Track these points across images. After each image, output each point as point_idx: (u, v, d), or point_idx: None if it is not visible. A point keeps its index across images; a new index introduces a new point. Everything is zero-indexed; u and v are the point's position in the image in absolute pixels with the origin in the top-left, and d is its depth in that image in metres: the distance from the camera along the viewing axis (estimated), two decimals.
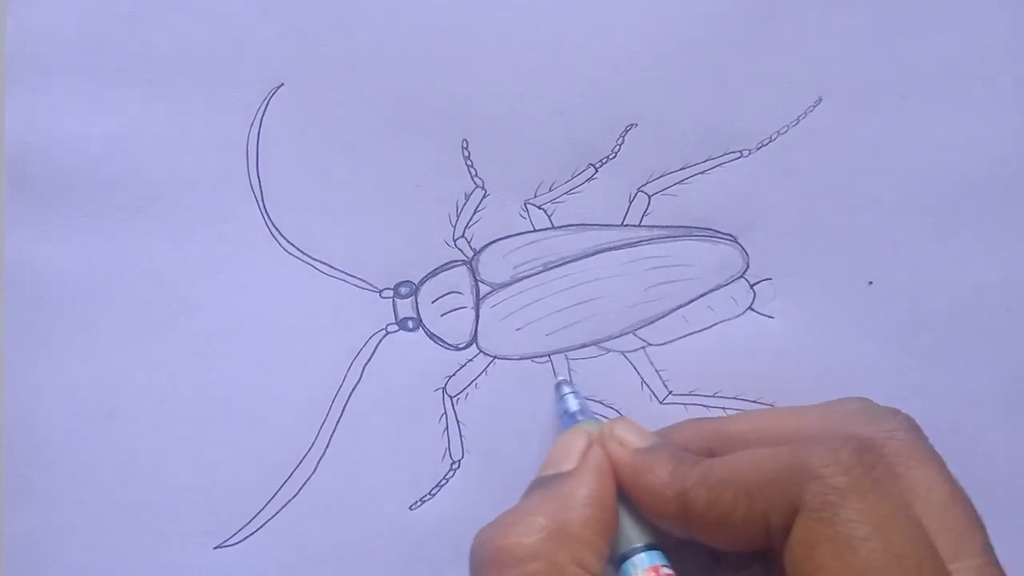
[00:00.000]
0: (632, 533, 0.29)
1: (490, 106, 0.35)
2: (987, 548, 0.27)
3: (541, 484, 0.29)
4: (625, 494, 0.29)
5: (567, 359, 0.35)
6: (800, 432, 0.29)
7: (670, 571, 0.28)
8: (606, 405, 0.35)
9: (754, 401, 0.35)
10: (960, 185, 0.35)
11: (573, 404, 0.33)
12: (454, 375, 0.35)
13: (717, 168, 0.35)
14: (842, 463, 0.25)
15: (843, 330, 0.35)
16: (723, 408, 0.35)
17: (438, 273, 0.35)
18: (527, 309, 0.35)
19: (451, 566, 0.34)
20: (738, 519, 0.26)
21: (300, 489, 0.34)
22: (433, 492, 0.35)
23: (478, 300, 0.35)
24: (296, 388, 0.35)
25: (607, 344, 0.35)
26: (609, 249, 0.35)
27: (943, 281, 0.35)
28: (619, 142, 0.35)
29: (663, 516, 0.28)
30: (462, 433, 0.35)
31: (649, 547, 0.29)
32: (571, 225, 0.35)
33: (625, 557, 0.28)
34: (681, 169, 0.35)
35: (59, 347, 0.35)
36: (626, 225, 0.35)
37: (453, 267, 0.35)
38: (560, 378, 0.35)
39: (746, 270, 0.35)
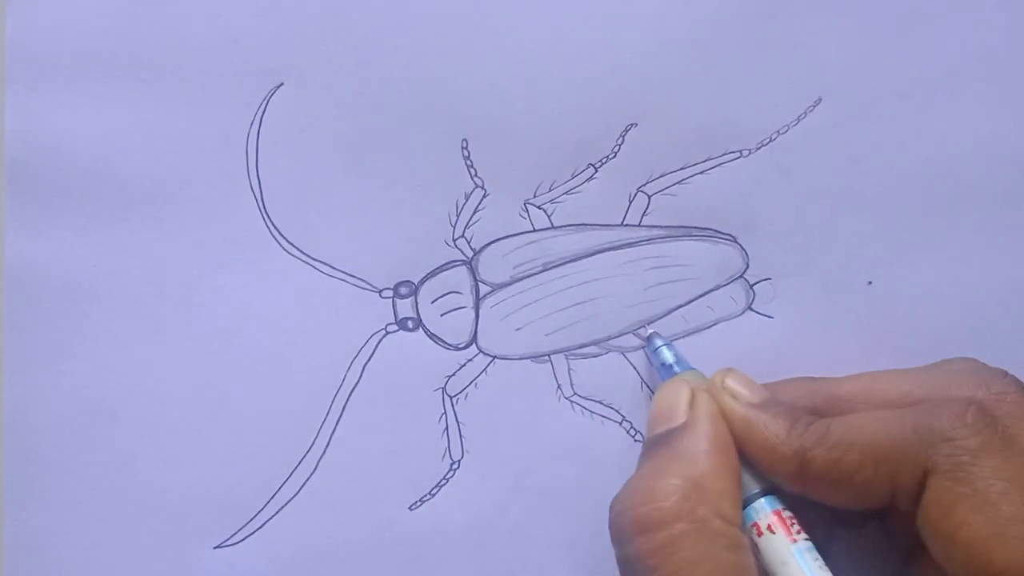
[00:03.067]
0: (747, 479, 0.29)
1: (490, 106, 0.35)
2: None
3: (658, 443, 0.29)
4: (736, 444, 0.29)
5: (567, 359, 0.35)
6: (910, 394, 0.29)
7: (791, 514, 0.29)
8: (606, 405, 0.35)
9: None
10: (960, 185, 0.35)
11: (668, 356, 0.33)
12: (454, 375, 0.35)
13: (717, 168, 0.35)
14: (970, 425, 0.26)
15: (843, 330, 0.35)
16: None
17: (438, 273, 0.35)
18: (527, 309, 0.35)
19: (451, 566, 0.34)
20: (862, 480, 0.27)
21: (300, 489, 0.34)
22: (433, 492, 0.35)
23: (478, 300, 0.35)
24: (296, 388, 0.35)
25: (607, 344, 0.35)
26: (609, 249, 0.35)
27: (943, 281, 0.35)
28: (619, 142, 0.35)
29: (778, 472, 0.28)
30: (462, 433, 0.35)
31: (765, 492, 0.29)
32: (571, 225, 0.35)
33: (744, 503, 0.29)
34: (681, 169, 0.35)
35: (59, 347, 0.35)
36: (626, 225, 0.35)
37: (453, 267, 0.35)
38: (651, 330, 0.34)
39: (746, 270, 0.35)
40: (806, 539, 0.28)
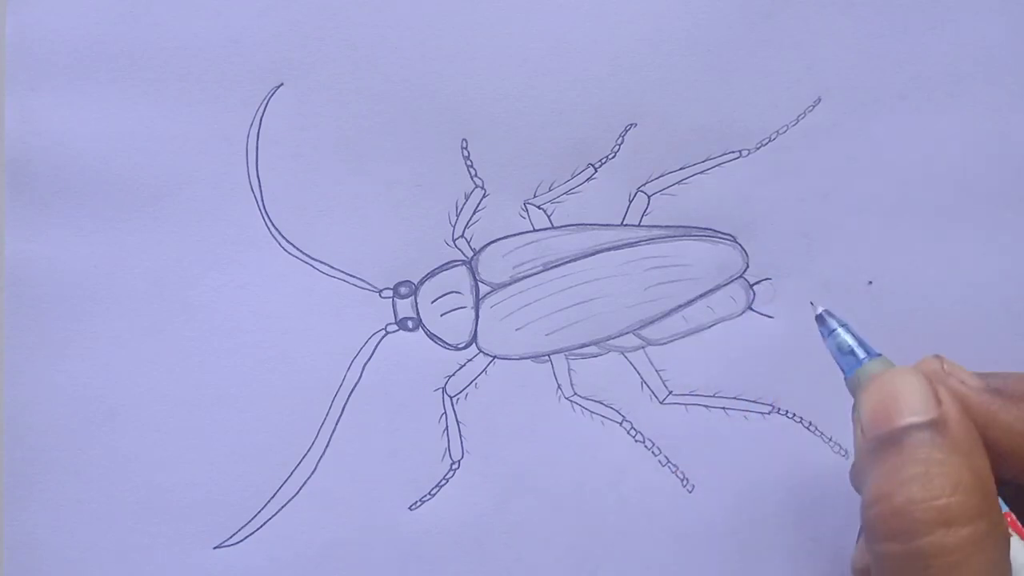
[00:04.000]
0: None
1: (490, 106, 0.35)
2: None
3: (919, 434, 0.26)
4: None
5: (567, 359, 0.35)
6: None
7: (1015, 517, 0.27)
8: (606, 405, 0.35)
9: (754, 401, 0.35)
10: (960, 185, 0.35)
11: (849, 342, 0.29)
12: (454, 375, 0.35)
13: (717, 168, 0.35)
14: None
15: None
16: (723, 408, 0.35)
17: (438, 273, 0.35)
18: (527, 309, 0.35)
19: (451, 566, 0.34)
20: None
21: (300, 489, 0.34)
22: (433, 492, 0.35)
23: (478, 300, 0.35)
24: (296, 388, 0.35)
25: (607, 344, 0.35)
26: (608, 249, 0.35)
27: (943, 281, 0.35)
28: (619, 142, 0.35)
29: (1020, 457, 0.27)
30: (462, 433, 0.35)
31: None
32: (571, 225, 0.35)
33: None
34: (681, 169, 0.35)
35: (59, 347, 0.35)
36: (625, 225, 0.35)
37: (453, 267, 0.35)
38: (821, 309, 0.30)
39: (745, 270, 0.35)
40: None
